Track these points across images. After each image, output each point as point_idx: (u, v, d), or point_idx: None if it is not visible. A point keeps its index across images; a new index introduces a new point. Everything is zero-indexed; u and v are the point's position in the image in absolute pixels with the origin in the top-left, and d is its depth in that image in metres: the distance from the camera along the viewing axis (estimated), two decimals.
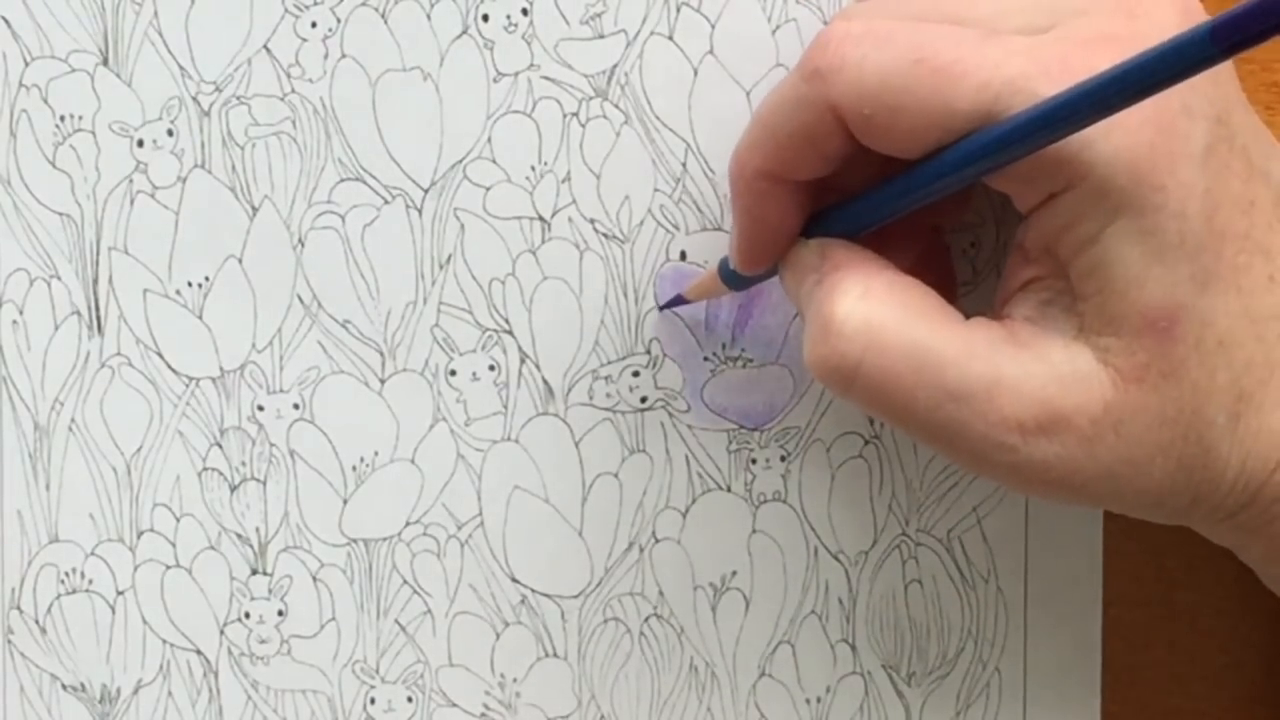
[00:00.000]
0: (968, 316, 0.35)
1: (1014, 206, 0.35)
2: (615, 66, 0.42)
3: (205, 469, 0.43)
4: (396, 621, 0.43)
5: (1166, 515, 0.35)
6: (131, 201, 0.42)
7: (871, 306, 0.34)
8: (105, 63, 0.42)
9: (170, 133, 0.42)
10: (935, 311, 0.35)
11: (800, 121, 0.35)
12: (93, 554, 0.43)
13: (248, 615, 0.43)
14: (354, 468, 0.42)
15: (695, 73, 0.41)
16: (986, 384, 0.34)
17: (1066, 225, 0.33)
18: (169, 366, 0.43)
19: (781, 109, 0.35)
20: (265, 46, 0.42)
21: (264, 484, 0.43)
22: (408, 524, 0.43)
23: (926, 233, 0.39)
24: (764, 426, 0.42)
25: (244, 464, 0.43)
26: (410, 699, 0.43)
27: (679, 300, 0.41)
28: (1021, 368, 0.34)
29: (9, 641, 0.43)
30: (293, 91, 0.42)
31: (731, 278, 0.39)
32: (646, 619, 0.42)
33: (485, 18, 0.42)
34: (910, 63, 0.33)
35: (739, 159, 0.36)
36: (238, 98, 0.42)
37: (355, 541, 0.43)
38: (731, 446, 0.42)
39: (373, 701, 0.43)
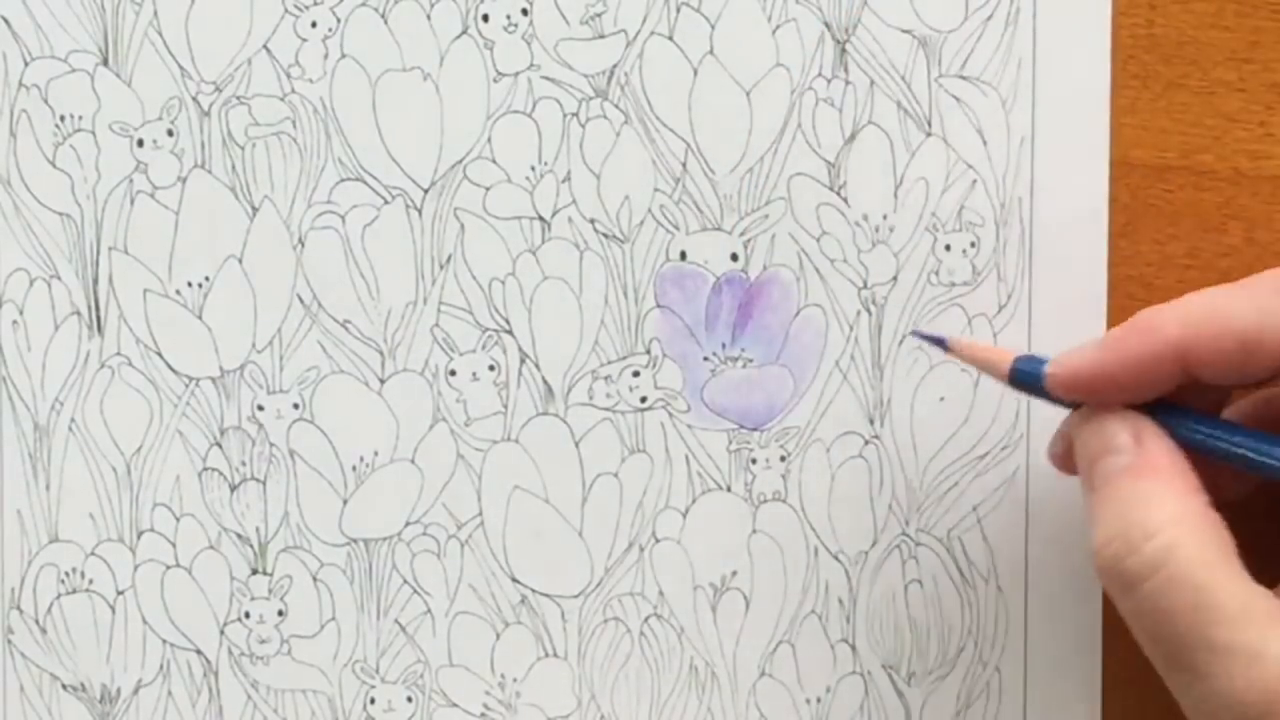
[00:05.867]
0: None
1: None
2: (615, 66, 0.42)
3: (205, 469, 0.43)
4: (396, 621, 0.43)
5: None
6: (131, 201, 0.42)
7: (1181, 534, 0.34)
8: (105, 63, 0.42)
9: (170, 133, 0.42)
10: (1229, 561, 0.34)
11: None
12: (93, 554, 0.43)
13: (248, 615, 0.43)
14: (354, 468, 0.42)
15: (695, 73, 0.41)
16: (1248, 655, 0.33)
17: None
18: (169, 366, 0.43)
19: None
20: (265, 46, 0.42)
21: (264, 484, 0.43)
22: (408, 524, 0.43)
23: (1259, 482, 0.39)
24: (764, 426, 0.42)
25: (244, 464, 0.43)
26: (410, 699, 0.43)
27: (939, 341, 0.39)
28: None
29: (9, 641, 0.43)
30: (293, 91, 0.42)
31: (1024, 380, 0.37)
32: (646, 619, 0.42)
33: (485, 18, 0.42)
34: None
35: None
36: (238, 98, 0.42)
37: (355, 541, 0.43)
38: (731, 446, 0.42)
39: (373, 701, 0.43)
